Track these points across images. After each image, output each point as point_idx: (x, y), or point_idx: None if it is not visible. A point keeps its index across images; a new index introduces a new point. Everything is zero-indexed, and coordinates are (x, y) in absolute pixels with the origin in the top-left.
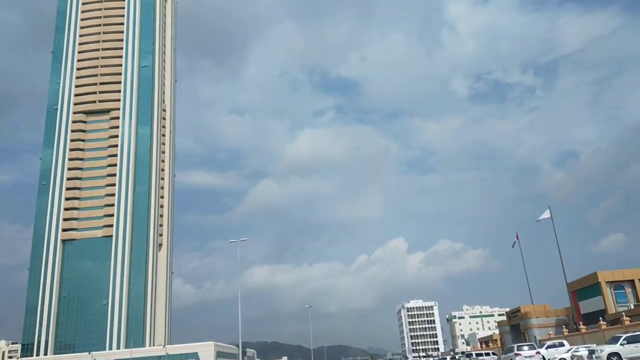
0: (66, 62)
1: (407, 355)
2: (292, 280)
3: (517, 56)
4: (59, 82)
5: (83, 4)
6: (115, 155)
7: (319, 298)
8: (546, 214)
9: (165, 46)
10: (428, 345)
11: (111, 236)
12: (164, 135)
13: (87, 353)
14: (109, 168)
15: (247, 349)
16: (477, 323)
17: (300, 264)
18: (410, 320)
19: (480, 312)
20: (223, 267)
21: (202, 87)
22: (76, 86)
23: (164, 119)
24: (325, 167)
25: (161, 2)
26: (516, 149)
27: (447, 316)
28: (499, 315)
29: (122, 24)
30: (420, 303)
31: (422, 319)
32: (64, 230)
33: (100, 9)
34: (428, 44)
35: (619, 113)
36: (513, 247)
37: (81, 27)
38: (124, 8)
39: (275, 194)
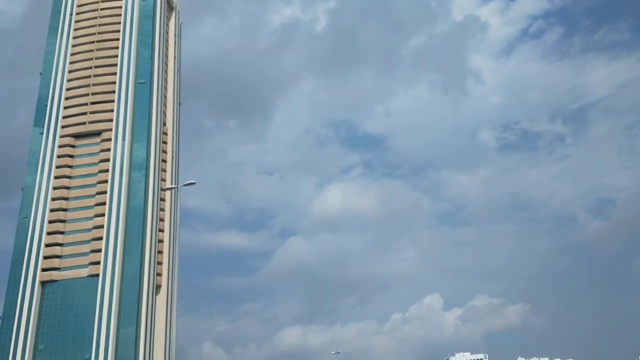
0: (55, 82)
1: None
2: (324, 342)
3: (544, 105)
4: (47, 104)
5: (76, 21)
6: (106, 182)
7: None
8: None
9: (167, 65)
10: None
11: (98, 275)
12: (164, 161)
13: None
14: (98, 196)
15: None
16: None
17: (332, 324)
18: None
19: None
20: (254, 330)
21: (231, 148)
22: (65, 107)
23: (165, 142)
24: (354, 222)
25: (162, 17)
26: (550, 198)
27: None
28: None
29: (118, 39)
30: (468, 356)
31: None
32: (44, 270)
33: (95, 25)
34: (453, 95)
35: None
36: None
37: (73, 46)
38: (119, 23)
39: (304, 251)
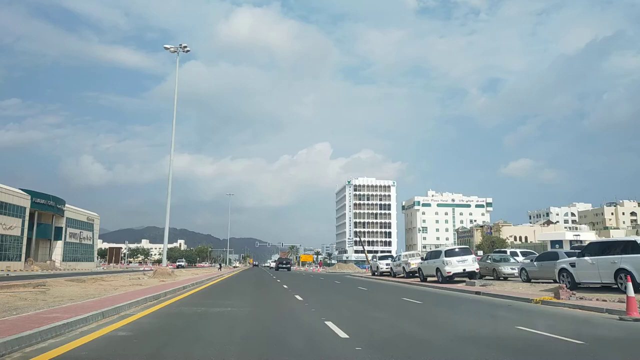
0: None
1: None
2: (211, 172)
3: None
4: None
5: None
6: None
7: (237, 192)
8: None
9: None
10: (377, 237)
11: None
12: None
13: None
14: None
15: (84, 210)
16: (446, 214)
17: (222, 157)
18: (357, 202)
19: (453, 201)
20: (140, 152)
21: None
22: None
23: None
24: (259, 57)
25: None
26: (449, 69)
27: (404, 203)
28: (477, 206)
29: None
30: (373, 181)
31: (374, 203)
32: None
33: None
34: None
35: (552, 46)
36: None
37: None
38: None
39: (202, 78)
